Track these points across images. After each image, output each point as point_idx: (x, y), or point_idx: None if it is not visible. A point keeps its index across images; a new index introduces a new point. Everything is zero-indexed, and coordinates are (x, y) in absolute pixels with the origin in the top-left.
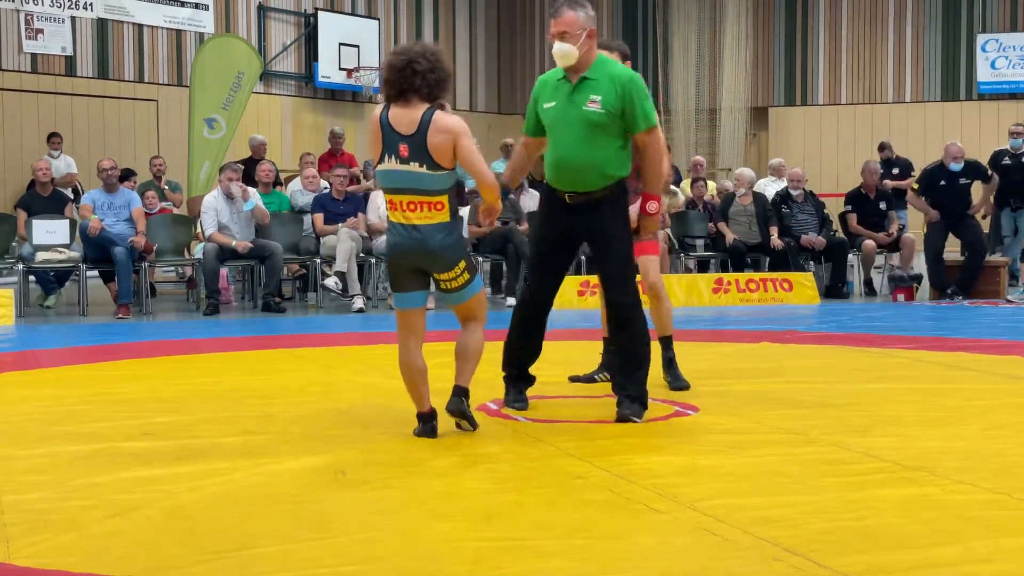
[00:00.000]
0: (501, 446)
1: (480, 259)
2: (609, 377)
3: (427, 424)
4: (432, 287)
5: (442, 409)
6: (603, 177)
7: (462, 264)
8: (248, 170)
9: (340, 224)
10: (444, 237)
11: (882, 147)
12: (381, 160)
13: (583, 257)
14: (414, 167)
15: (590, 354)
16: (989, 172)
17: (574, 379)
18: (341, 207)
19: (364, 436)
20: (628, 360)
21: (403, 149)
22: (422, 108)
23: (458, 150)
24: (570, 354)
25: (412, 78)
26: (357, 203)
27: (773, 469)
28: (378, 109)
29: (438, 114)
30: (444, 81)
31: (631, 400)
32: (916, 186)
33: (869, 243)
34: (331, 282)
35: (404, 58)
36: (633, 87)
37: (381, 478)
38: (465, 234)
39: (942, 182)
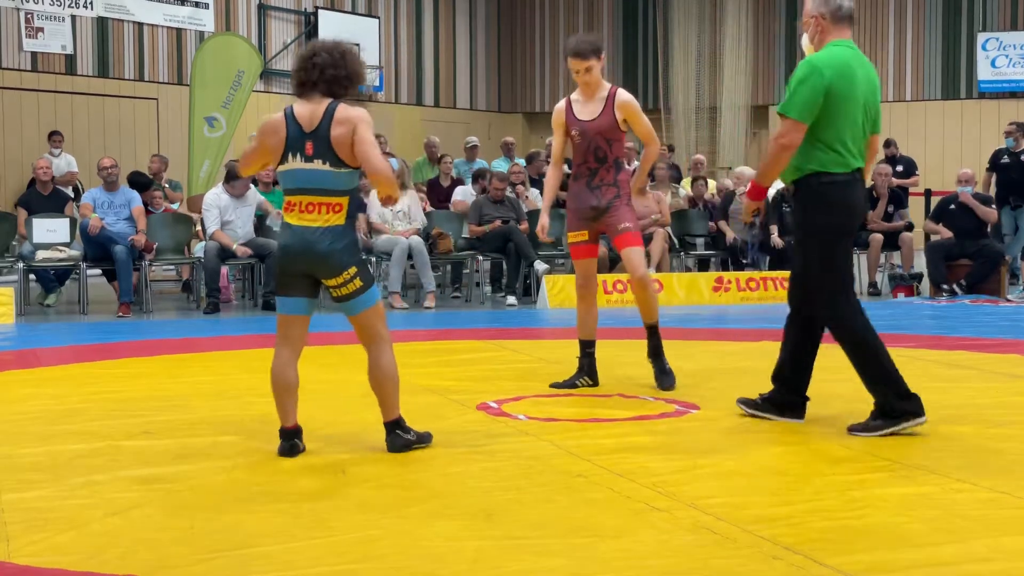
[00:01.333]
0: (501, 445)
1: (481, 257)
2: (590, 382)
3: (287, 441)
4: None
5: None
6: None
7: (352, 270)
8: None
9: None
10: (333, 241)
11: (887, 144)
12: (283, 160)
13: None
14: (317, 164)
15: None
16: (993, 205)
17: (556, 386)
18: None
19: (364, 435)
20: (869, 366)
21: (308, 147)
22: (325, 103)
23: (355, 137)
24: (570, 353)
25: (311, 71)
26: (358, 204)
27: (773, 468)
28: (278, 117)
29: (341, 105)
30: (345, 79)
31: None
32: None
33: (877, 237)
34: None
35: (309, 51)
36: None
37: (381, 477)
38: (465, 233)
39: (952, 206)
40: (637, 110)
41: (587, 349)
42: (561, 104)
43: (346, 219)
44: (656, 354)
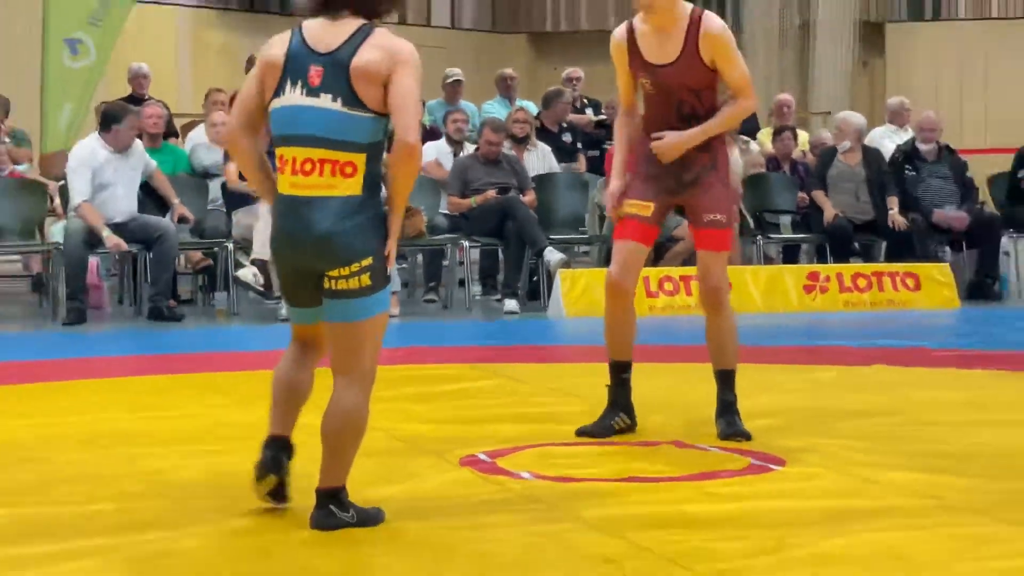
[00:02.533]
0: (496, 518)
1: (467, 244)
2: (627, 422)
3: (271, 451)
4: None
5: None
6: None
7: (366, 261)
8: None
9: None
10: (341, 219)
11: None
12: (277, 93)
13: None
14: (325, 101)
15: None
16: None
17: (583, 433)
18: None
19: (300, 510)
20: None
21: (314, 73)
22: (355, 23)
23: (393, 81)
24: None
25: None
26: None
27: (892, 551)
28: (283, 35)
29: (380, 30)
30: None
31: None
32: None
33: None
34: (247, 273)
35: None
36: None
37: (320, 564)
38: (444, 208)
39: None
40: (731, 47)
41: (621, 374)
42: (620, 33)
43: (363, 187)
44: (726, 412)
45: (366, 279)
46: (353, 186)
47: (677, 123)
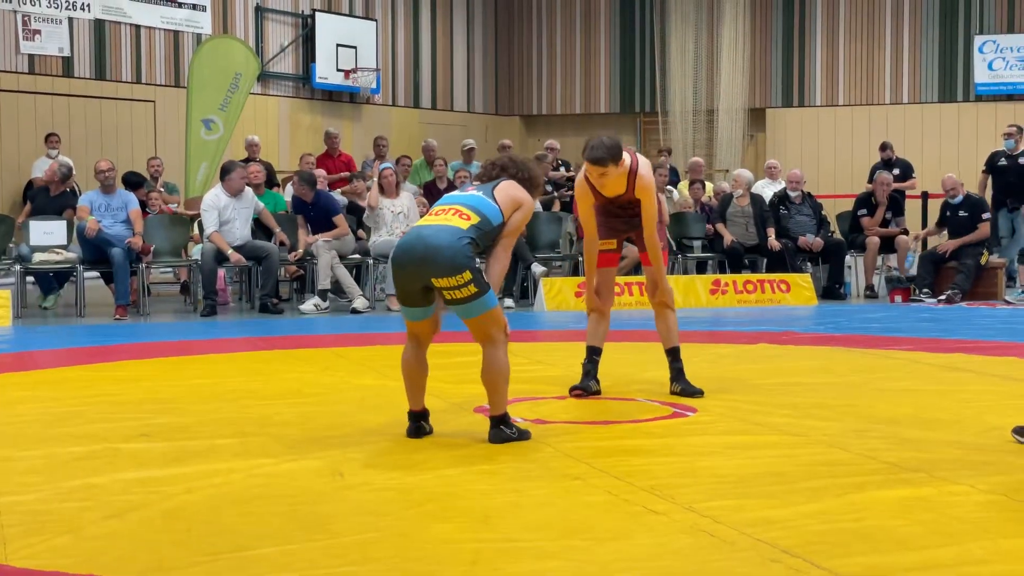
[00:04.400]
0: (498, 447)
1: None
2: (597, 387)
3: (413, 423)
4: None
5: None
6: None
7: (467, 274)
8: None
9: (319, 236)
10: (449, 239)
11: (883, 147)
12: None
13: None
14: (472, 191)
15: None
16: (985, 215)
17: (576, 389)
18: (312, 212)
19: (361, 437)
20: None
21: (471, 188)
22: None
23: (517, 214)
24: (569, 355)
25: (491, 170)
26: (326, 206)
27: (771, 471)
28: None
29: (516, 180)
30: (527, 181)
31: None
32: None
33: (873, 240)
34: (309, 307)
35: (488, 161)
36: None
37: (378, 479)
38: None
39: (947, 212)
40: (652, 192)
41: (594, 356)
42: (581, 179)
43: (469, 228)
44: (680, 376)
45: (472, 288)
46: (463, 223)
47: (625, 218)
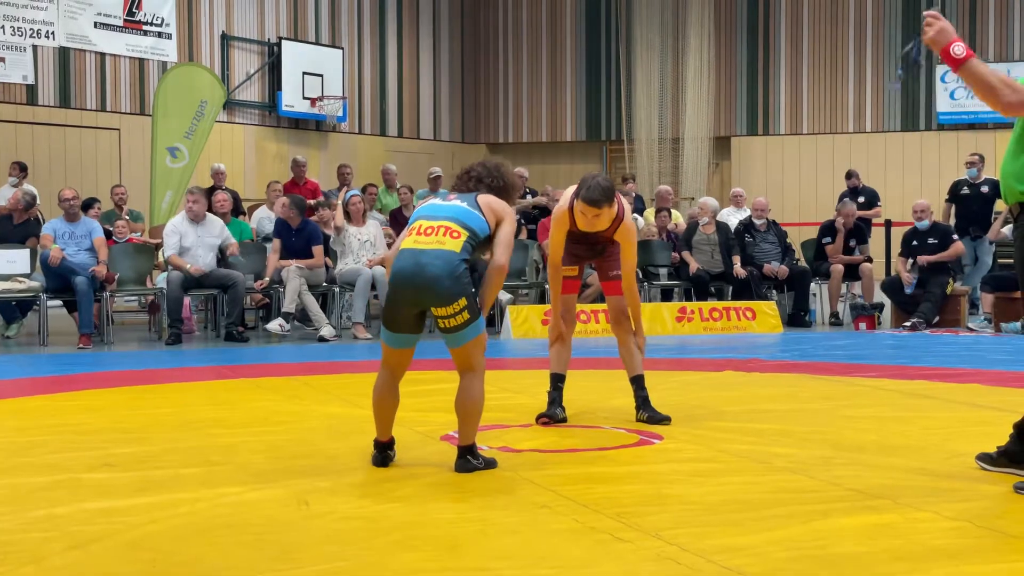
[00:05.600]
0: (465, 476)
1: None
2: (563, 414)
3: (380, 453)
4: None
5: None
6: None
7: (463, 301)
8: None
9: (293, 261)
10: (447, 267)
11: (849, 175)
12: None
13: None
14: (456, 202)
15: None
16: (954, 237)
17: (543, 417)
18: (294, 238)
19: (327, 466)
20: None
21: (452, 196)
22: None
23: (501, 225)
24: (535, 383)
25: (468, 182)
26: (310, 235)
27: (737, 498)
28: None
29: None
30: (502, 190)
31: None
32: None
33: (837, 268)
34: (274, 326)
35: (464, 169)
36: None
37: (345, 508)
38: None
39: (914, 242)
40: (633, 239)
41: (559, 384)
42: (563, 208)
43: (461, 249)
44: (646, 404)
45: (466, 315)
46: (455, 245)
47: (593, 248)
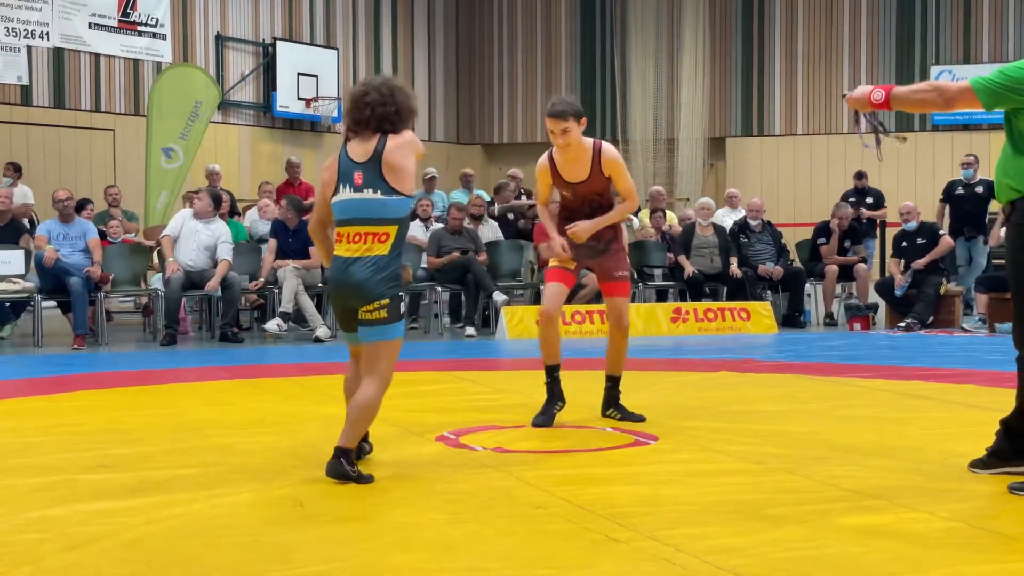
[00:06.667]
0: (460, 476)
1: (439, 288)
2: (563, 405)
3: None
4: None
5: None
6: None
7: (384, 302)
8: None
9: (290, 261)
10: (373, 272)
11: (859, 175)
12: (336, 192)
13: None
14: (367, 194)
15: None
16: (942, 233)
17: (539, 424)
18: (291, 239)
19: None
20: None
21: (357, 177)
22: (376, 137)
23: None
24: (529, 383)
25: (363, 109)
26: (307, 235)
27: (733, 499)
28: (332, 156)
29: (391, 136)
30: (395, 114)
31: None
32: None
33: (832, 268)
34: (272, 325)
35: (360, 90)
36: None
37: (340, 509)
38: (424, 264)
39: (904, 243)
40: (622, 167)
41: (554, 373)
42: (544, 160)
43: (391, 249)
44: (615, 404)
45: (383, 313)
46: (383, 248)
47: (587, 215)
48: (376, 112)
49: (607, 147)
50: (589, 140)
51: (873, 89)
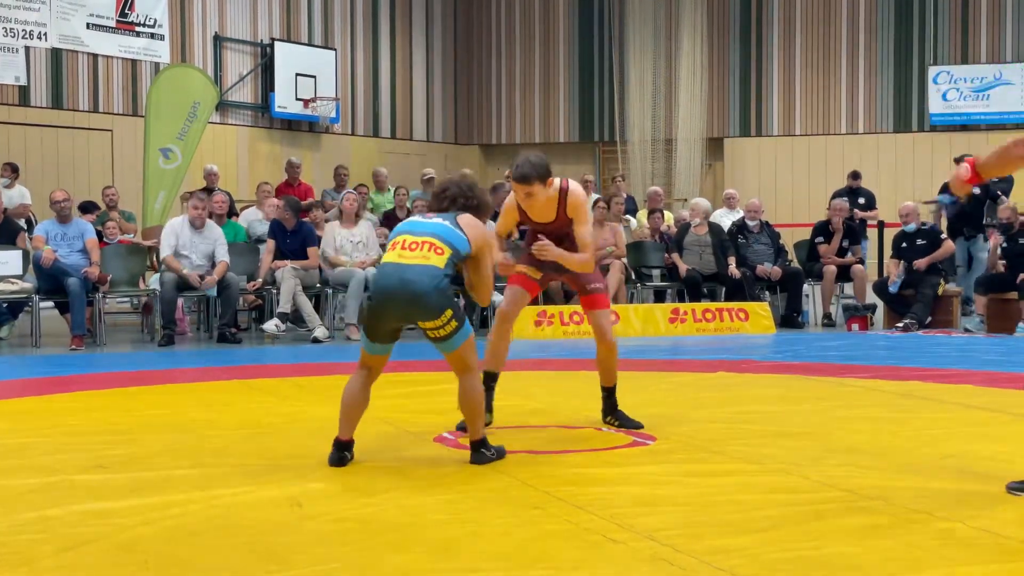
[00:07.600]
0: (458, 476)
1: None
2: (489, 418)
3: (339, 452)
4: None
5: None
6: None
7: (448, 313)
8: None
9: (288, 262)
10: (432, 282)
11: (855, 175)
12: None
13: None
14: (438, 220)
15: (548, 383)
16: (943, 236)
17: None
18: (289, 239)
19: (320, 468)
20: None
21: (431, 213)
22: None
23: (483, 248)
24: (527, 384)
25: (443, 202)
26: (305, 236)
27: (730, 499)
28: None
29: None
30: (476, 208)
31: None
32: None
33: (830, 269)
34: (270, 326)
35: (440, 187)
36: None
37: (338, 510)
38: None
39: (903, 244)
40: (585, 213)
41: (490, 383)
42: (511, 200)
43: (446, 264)
44: (613, 411)
45: (454, 323)
46: (440, 261)
47: (557, 243)
48: (457, 203)
49: (574, 188)
50: (557, 180)
51: (959, 168)
